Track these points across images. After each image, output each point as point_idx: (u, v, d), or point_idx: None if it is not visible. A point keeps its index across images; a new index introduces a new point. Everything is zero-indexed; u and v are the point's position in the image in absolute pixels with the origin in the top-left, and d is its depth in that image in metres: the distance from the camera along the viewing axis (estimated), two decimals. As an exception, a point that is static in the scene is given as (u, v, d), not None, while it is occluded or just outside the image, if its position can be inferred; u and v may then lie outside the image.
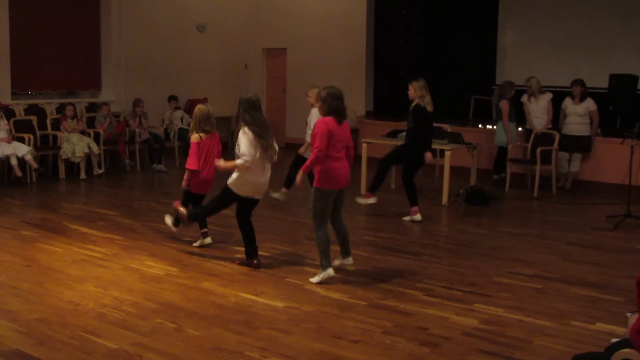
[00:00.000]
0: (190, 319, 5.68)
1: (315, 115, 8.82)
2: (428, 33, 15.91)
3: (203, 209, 7.63)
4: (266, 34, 17.39)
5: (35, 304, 6.01)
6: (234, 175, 7.05)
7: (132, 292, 6.33)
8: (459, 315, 5.83)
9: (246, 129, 6.85)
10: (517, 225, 9.30)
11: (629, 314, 3.84)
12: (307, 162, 6.61)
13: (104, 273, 6.91)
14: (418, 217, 9.35)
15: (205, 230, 7.91)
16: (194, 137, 7.65)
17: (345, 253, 7.01)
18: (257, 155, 6.87)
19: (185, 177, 7.74)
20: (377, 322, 5.65)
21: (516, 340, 5.31)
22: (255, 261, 7.14)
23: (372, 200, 9.59)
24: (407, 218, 9.42)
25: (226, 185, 7.13)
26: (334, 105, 6.51)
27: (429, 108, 9.17)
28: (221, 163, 7.28)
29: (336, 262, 6.93)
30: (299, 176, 6.74)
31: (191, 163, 7.64)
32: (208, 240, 7.90)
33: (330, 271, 6.65)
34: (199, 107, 7.76)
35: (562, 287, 6.66)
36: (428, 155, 9.26)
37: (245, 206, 7.24)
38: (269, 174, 7.17)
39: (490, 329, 5.54)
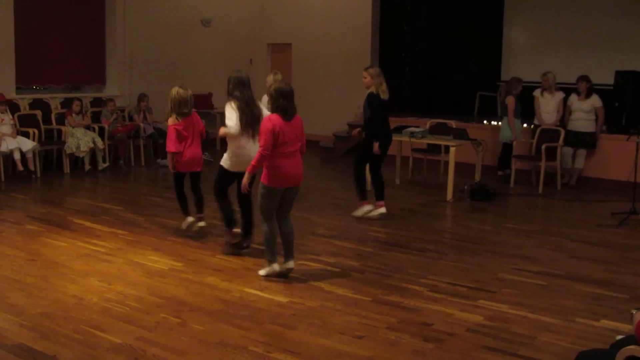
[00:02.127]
0: (194, 314, 5.68)
1: (265, 102, 8.80)
2: (433, 29, 15.89)
3: (222, 209, 7.50)
4: (271, 29, 17.37)
5: (40, 298, 6.01)
6: (225, 155, 7.29)
7: (136, 287, 6.33)
8: (464, 312, 5.82)
9: (233, 103, 7.05)
10: (521, 221, 9.28)
11: (634, 311, 3.83)
12: (253, 162, 6.47)
13: (108, 267, 6.92)
14: (383, 210, 9.14)
15: (201, 215, 8.11)
16: (171, 120, 7.76)
17: (289, 256, 6.68)
18: (242, 128, 7.02)
19: (168, 159, 7.91)
20: (381, 318, 5.64)
21: (521, 337, 5.29)
22: (235, 229, 7.39)
23: (367, 208, 9.17)
24: (373, 213, 9.15)
25: (219, 165, 7.33)
26: (279, 104, 6.39)
27: (384, 96, 8.83)
28: (221, 131, 7.26)
29: (276, 267, 6.65)
30: (245, 178, 6.62)
31: (170, 146, 7.75)
32: (202, 224, 8.12)
33: (275, 266, 6.59)
34: (177, 90, 7.81)
35: (566, 283, 6.64)
36: (375, 146, 8.87)
37: (230, 182, 7.41)
38: (256, 148, 7.04)
39: (495, 325, 5.52)
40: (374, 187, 9.26)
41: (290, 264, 6.66)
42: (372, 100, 8.87)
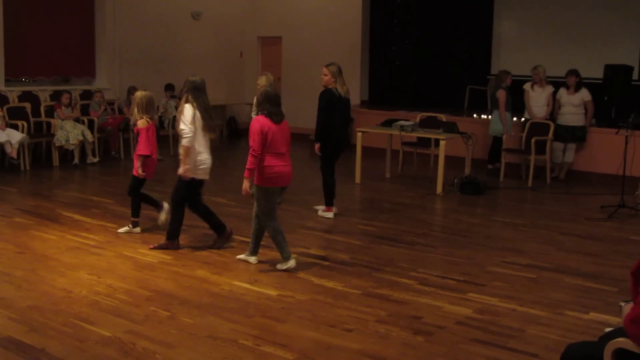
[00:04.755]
0: (184, 307, 5.67)
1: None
2: (424, 22, 15.89)
3: (176, 220, 7.31)
4: (261, 22, 17.34)
5: (29, 291, 5.99)
6: (184, 165, 7.03)
7: (125, 280, 6.32)
8: (453, 305, 5.84)
9: (188, 106, 6.93)
10: (511, 215, 9.30)
11: (622, 304, 3.83)
12: (248, 165, 6.45)
13: (98, 261, 6.90)
14: (331, 214, 8.80)
15: (136, 220, 7.94)
16: (142, 123, 7.63)
17: (254, 252, 6.88)
18: (200, 131, 6.96)
19: (139, 164, 7.63)
20: (371, 311, 5.65)
21: (510, 330, 5.31)
22: (228, 231, 7.35)
23: (330, 214, 8.81)
24: (320, 212, 8.92)
25: (179, 177, 7.11)
26: (264, 107, 6.49)
27: (345, 94, 8.54)
28: (182, 170, 7.05)
29: (242, 256, 6.90)
30: (245, 183, 6.61)
31: (143, 149, 7.61)
32: (137, 230, 7.93)
33: (291, 262, 6.62)
34: (143, 94, 7.74)
35: (555, 276, 6.67)
36: (316, 146, 8.69)
37: (196, 190, 7.30)
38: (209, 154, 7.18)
39: (484, 318, 5.54)
40: (325, 190, 8.88)
41: (253, 259, 6.85)
42: (322, 97, 8.52)
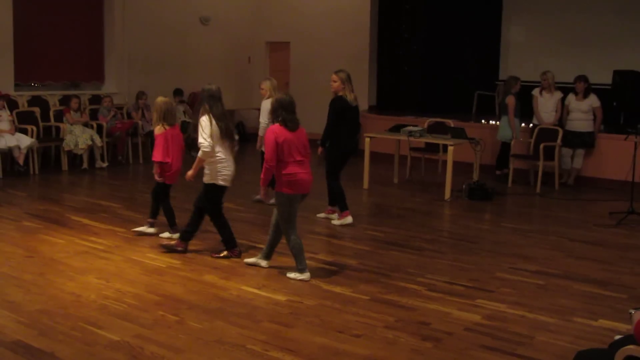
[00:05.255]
0: (192, 312, 5.67)
1: (265, 107, 8.83)
2: (432, 28, 15.87)
3: (221, 229, 7.31)
4: (269, 27, 17.36)
5: (37, 295, 6.01)
6: (207, 171, 7.09)
7: (134, 284, 6.33)
8: (461, 311, 5.82)
9: (205, 118, 6.96)
10: (519, 221, 9.28)
11: (632, 311, 3.83)
12: (262, 175, 6.57)
13: (106, 265, 6.91)
14: (349, 219, 8.75)
15: (153, 221, 8.05)
16: (158, 129, 7.67)
17: (268, 256, 6.89)
18: (215, 142, 6.95)
19: (156, 169, 7.73)
20: (379, 317, 5.64)
21: (518, 336, 5.30)
22: (237, 250, 7.24)
23: (349, 219, 8.77)
24: (335, 222, 8.81)
25: (204, 185, 7.14)
26: (282, 116, 6.46)
27: (353, 102, 8.52)
28: (189, 173, 7.23)
29: (252, 260, 6.91)
30: (262, 191, 6.69)
31: (156, 155, 7.67)
32: (152, 230, 8.02)
33: (306, 275, 6.56)
34: (161, 100, 7.77)
35: (564, 283, 6.65)
36: (319, 150, 8.70)
37: (218, 196, 7.28)
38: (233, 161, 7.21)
39: (493, 325, 5.53)
40: (330, 195, 8.88)
41: (264, 263, 6.86)
42: (333, 105, 8.52)
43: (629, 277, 6.86)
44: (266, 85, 9.25)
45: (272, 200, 9.69)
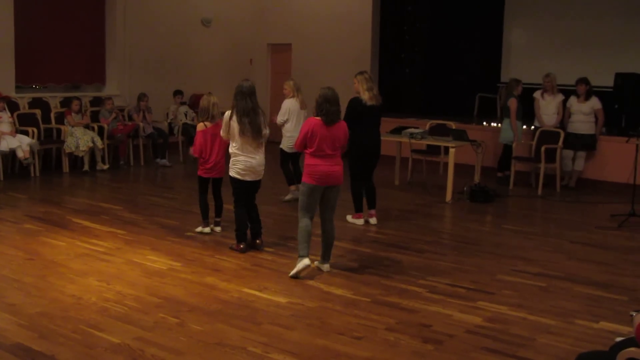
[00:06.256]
0: (193, 314, 5.67)
1: (284, 107, 9.73)
2: (433, 30, 15.89)
3: (235, 219, 7.63)
4: (271, 29, 17.36)
5: (38, 297, 6.00)
6: (230, 163, 7.49)
7: (134, 287, 6.32)
8: (463, 313, 5.81)
9: (228, 112, 7.40)
10: (521, 223, 9.27)
11: (634, 313, 3.82)
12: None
13: (107, 267, 6.91)
14: (359, 221, 8.94)
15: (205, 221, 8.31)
16: (199, 126, 8.04)
17: (324, 258, 6.97)
18: (232, 137, 7.37)
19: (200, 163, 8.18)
20: (380, 319, 5.63)
21: (520, 338, 5.29)
22: (241, 245, 7.50)
23: (360, 221, 8.95)
24: (354, 221, 8.97)
25: (229, 176, 7.53)
26: (323, 108, 6.72)
27: (367, 100, 8.51)
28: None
29: (315, 263, 6.96)
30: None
31: (193, 150, 8.17)
32: (207, 230, 8.29)
33: (305, 261, 6.65)
34: (205, 98, 8.11)
35: (566, 285, 6.64)
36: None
37: (246, 191, 7.55)
38: (259, 157, 7.46)
39: (494, 327, 5.52)
40: (354, 197, 8.95)
41: (325, 267, 6.94)
42: (351, 105, 8.60)
43: (631, 279, 6.85)
44: (289, 85, 9.86)
45: (288, 197, 9.85)
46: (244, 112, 7.26)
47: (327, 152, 6.70)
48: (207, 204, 8.23)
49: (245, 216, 7.57)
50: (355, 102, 8.55)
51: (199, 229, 8.25)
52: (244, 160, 7.36)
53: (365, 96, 8.53)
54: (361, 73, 8.73)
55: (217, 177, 8.16)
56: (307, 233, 6.72)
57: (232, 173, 7.43)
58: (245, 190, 7.50)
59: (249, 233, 7.64)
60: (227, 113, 7.38)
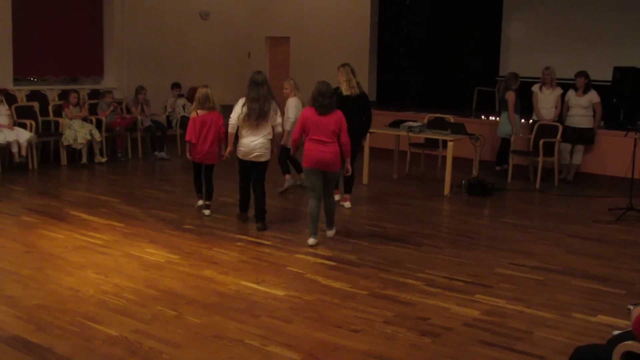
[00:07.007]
0: (191, 307, 5.67)
1: (291, 105, 10.01)
2: (432, 23, 15.87)
3: (239, 190, 8.45)
4: (269, 22, 17.34)
5: (36, 290, 6.00)
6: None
7: (132, 279, 6.32)
8: (460, 306, 5.82)
9: (242, 99, 8.11)
10: (519, 216, 9.27)
11: (631, 307, 3.82)
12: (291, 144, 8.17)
13: (105, 260, 6.91)
14: (347, 204, 9.45)
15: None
16: (192, 114, 8.69)
17: (328, 225, 7.88)
18: (239, 120, 8.05)
19: (187, 147, 8.72)
20: (377, 312, 5.64)
21: (517, 332, 5.30)
22: (243, 215, 8.45)
23: (347, 205, 9.42)
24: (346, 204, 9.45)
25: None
26: (315, 99, 7.44)
27: (344, 90, 9.11)
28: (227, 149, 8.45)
29: (311, 240, 7.56)
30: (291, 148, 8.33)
31: (186, 135, 8.70)
32: (207, 212, 8.83)
33: (310, 240, 7.51)
34: (199, 89, 8.74)
35: (563, 279, 6.64)
36: None
37: (247, 169, 8.25)
38: (258, 140, 8.04)
39: (492, 320, 5.52)
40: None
41: (329, 233, 7.86)
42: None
43: (628, 272, 6.86)
44: (289, 84, 10.26)
45: (286, 185, 10.33)
46: (253, 99, 7.95)
47: (322, 139, 7.39)
48: (200, 182, 8.85)
49: (246, 190, 8.32)
50: (337, 94, 8.92)
51: (199, 202, 8.98)
52: (244, 143, 8.04)
53: (343, 86, 9.16)
54: (343, 65, 9.39)
55: (208, 164, 8.71)
56: (311, 215, 7.51)
57: (237, 154, 8.17)
58: (247, 169, 8.18)
59: (252, 213, 8.31)
60: (240, 100, 8.08)
